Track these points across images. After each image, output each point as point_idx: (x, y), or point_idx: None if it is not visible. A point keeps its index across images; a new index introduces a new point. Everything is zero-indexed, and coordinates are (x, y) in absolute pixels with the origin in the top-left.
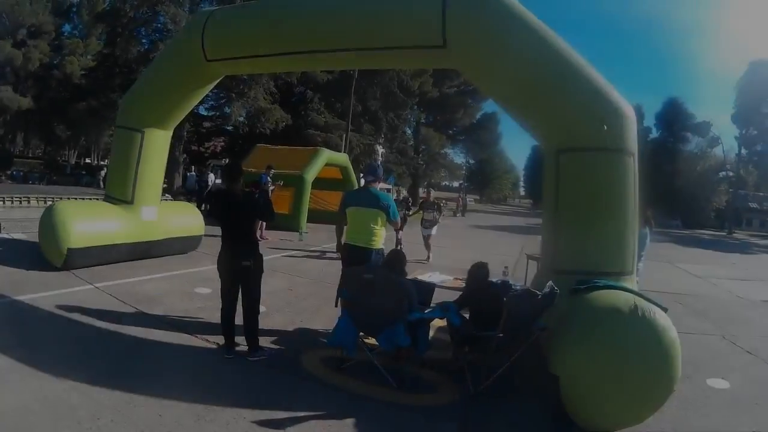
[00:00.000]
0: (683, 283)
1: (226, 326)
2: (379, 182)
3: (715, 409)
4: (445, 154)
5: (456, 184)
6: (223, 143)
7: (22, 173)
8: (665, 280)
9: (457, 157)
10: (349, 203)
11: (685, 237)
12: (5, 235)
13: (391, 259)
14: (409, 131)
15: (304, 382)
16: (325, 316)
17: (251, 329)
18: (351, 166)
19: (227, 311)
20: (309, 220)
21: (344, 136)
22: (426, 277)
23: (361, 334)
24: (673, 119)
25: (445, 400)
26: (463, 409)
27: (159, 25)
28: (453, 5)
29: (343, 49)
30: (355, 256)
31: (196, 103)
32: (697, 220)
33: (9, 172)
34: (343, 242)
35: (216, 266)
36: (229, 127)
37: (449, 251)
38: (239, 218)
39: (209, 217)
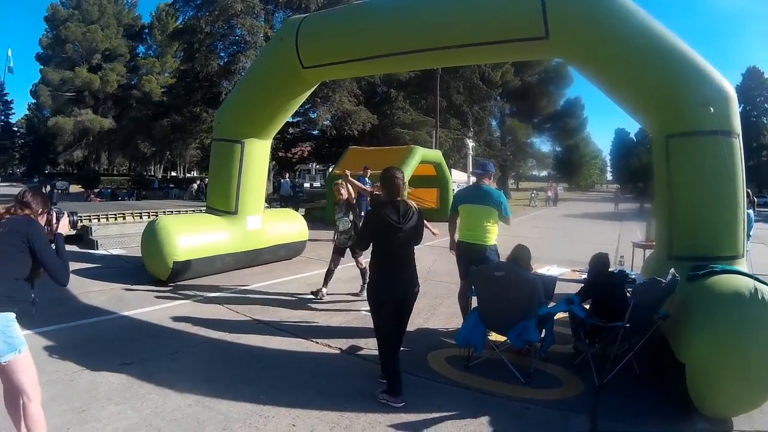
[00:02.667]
0: None
1: (394, 368)
2: (490, 179)
3: None
4: (531, 144)
5: (544, 173)
6: (309, 148)
7: (109, 190)
8: (763, 263)
9: (544, 145)
10: (461, 201)
11: None
12: (103, 252)
13: (516, 254)
14: (494, 123)
15: (434, 383)
16: (442, 315)
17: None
18: (444, 162)
19: (394, 350)
20: None
21: (433, 132)
22: (545, 270)
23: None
24: (754, 90)
25: (572, 393)
26: (593, 401)
27: (236, 37)
28: None
29: (443, 47)
30: (469, 254)
31: (293, 111)
32: None
33: (97, 190)
34: (456, 240)
35: (373, 295)
36: (315, 132)
37: (552, 243)
38: (410, 237)
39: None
